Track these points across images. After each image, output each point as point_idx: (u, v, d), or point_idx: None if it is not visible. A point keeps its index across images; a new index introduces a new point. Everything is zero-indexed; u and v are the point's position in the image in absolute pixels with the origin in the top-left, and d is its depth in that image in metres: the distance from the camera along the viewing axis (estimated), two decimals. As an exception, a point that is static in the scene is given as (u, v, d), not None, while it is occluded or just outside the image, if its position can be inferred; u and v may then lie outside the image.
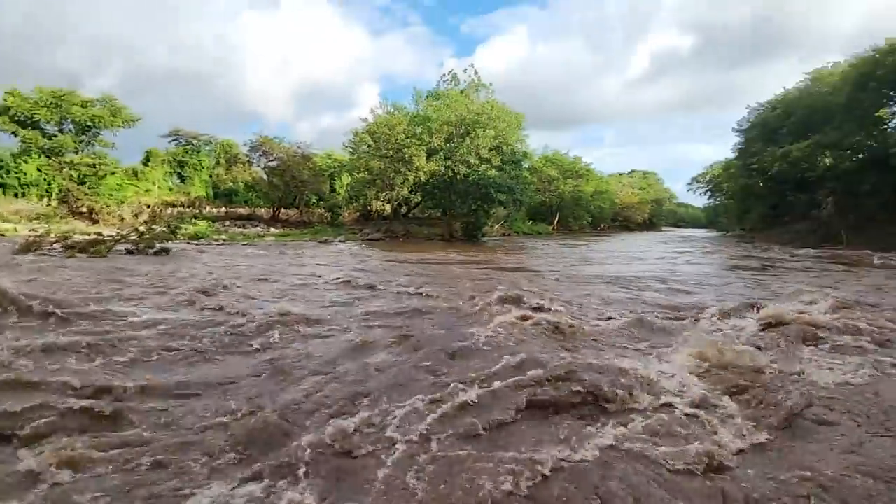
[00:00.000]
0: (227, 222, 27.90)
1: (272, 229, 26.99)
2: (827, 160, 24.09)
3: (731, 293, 7.90)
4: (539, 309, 5.66)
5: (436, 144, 24.95)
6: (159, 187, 32.19)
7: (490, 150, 24.86)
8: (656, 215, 71.99)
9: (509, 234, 35.71)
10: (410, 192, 27.12)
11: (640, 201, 63.89)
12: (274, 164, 30.34)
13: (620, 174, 74.35)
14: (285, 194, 30.82)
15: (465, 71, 29.21)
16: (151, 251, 12.83)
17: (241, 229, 25.79)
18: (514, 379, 3.23)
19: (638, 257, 16.91)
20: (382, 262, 12.51)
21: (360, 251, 16.87)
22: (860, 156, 23.13)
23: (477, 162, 24.53)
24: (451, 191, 25.51)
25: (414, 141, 24.54)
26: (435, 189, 26.35)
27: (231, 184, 35.27)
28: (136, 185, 30.35)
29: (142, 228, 13.89)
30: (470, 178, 24.62)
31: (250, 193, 34.58)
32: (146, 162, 33.07)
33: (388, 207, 30.36)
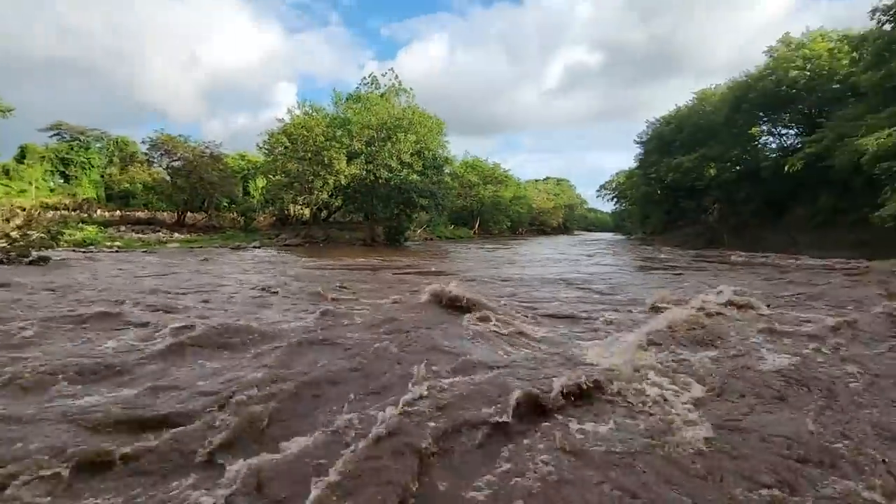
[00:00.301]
0: (123, 227, 25.03)
1: (176, 235, 24.66)
2: (712, 171, 27.20)
3: (642, 286, 8.55)
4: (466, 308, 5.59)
5: (357, 148, 24.43)
6: (37, 187, 28.20)
7: (412, 154, 24.86)
8: (569, 220, 76.75)
9: (431, 239, 35.97)
10: (331, 195, 26.30)
11: (555, 207, 67.66)
12: (178, 164, 27.76)
13: (536, 181, 78.32)
14: (191, 197, 28.36)
15: (384, 75, 29.04)
16: (26, 260, 11.15)
17: (139, 235, 23.27)
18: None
19: (557, 258, 17.81)
20: (302, 269, 11.90)
21: (277, 257, 15.96)
22: (738, 168, 26.34)
23: (399, 166, 24.39)
24: (372, 195, 25.11)
25: (334, 143, 23.82)
26: (356, 193, 25.80)
27: (127, 185, 31.85)
28: (6, 185, 26.33)
29: (14, 234, 11.99)
30: (392, 183, 24.42)
31: (150, 196, 31.41)
32: (21, 159, 28.83)
33: (307, 212, 29.14)
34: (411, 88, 28.43)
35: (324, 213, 30.13)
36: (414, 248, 24.94)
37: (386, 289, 8.33)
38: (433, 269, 12.61)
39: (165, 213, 29.83)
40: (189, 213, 29.38)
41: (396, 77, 28.49)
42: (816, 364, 3.92)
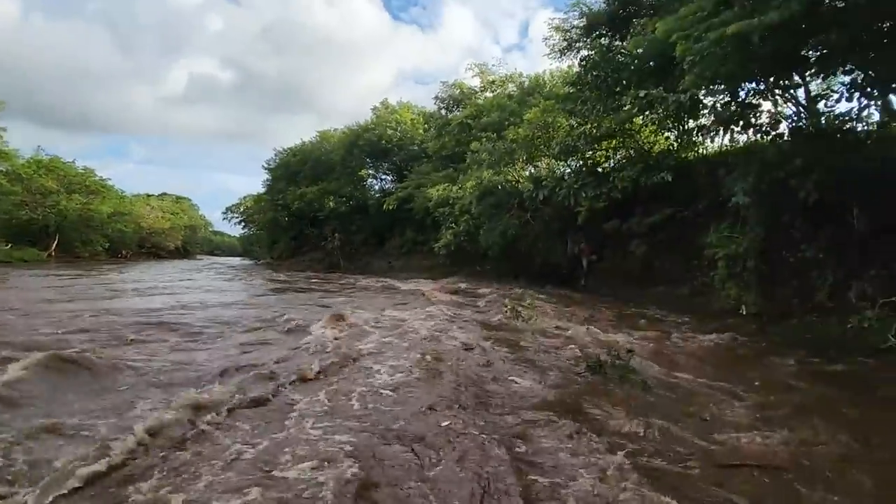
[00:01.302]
0: None
1: None
2: (331, 203, 30.32)
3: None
4: None
5: None
6: None
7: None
8: (191, 243, 68.53)
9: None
10: None
11: (173, 227, 58.89)
12: None
13: (149, 195, 66.32)
14: None
15: None
16: None
17: None
18: None
19: (167, 286, 14.86)
20: None
21: None
22: (351, 203, 30.37)
23: None
24: None
25: None
26: None
27: None
28: None
29: None
30: None
31: None
32: None
33: None
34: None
35: None
36: None
37: None
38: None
39: None
40: None
41: None
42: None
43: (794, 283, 8.01)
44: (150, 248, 54.08)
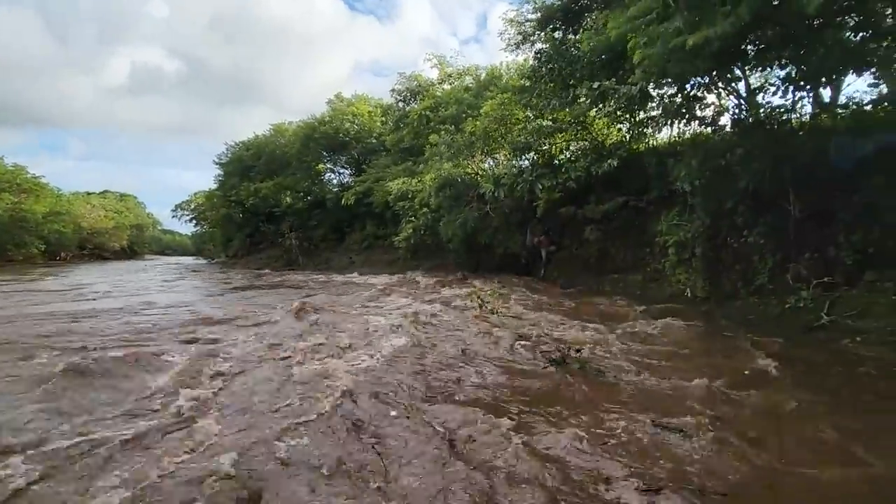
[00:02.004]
0: None
1: None
2: (288, 199, 29.39)
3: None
4: None
5: None
6: None
7: None
8: (138, 243, 64.92)
9: None
10: None
11: (117, 227, 55.62)
12: None
13: (90, 193, 62.29)
14: None
15: None
16: None
17: None
18: None
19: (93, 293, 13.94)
20: None
21: None
22: (308, 198, 29.54)
23: None
24: None
25: None
26: None
27: None
28: None
29: None
30: None
31: None
32: None
33: None
34: None
35: None
36: None
37: None
38: None
39: None
40: None
41: None
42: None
43: (738, 267, 8.43)
44: (92, 249, 50.82)
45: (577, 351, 4.81)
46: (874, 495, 2.50)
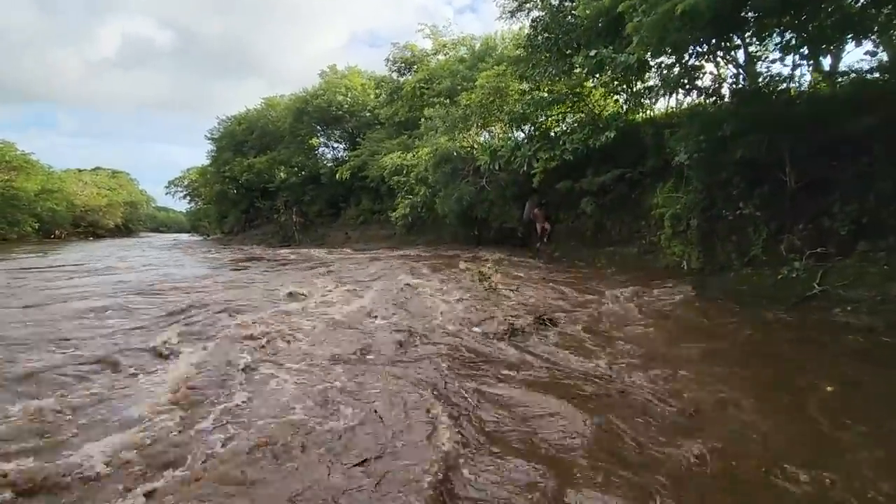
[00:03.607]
0: None
1: None
2: (282, 174, 29.04)
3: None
4: None
5: None
6: None
7: None
8: (132, 220, 64.54)
9: None
10: None
11: (111, 204, 55.16)
12: None
13: (81, 171, 61.42)
14: None
15: None
16: None
17: None
18: None
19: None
20: None
21: None
22: (303, 173, 29.16)
23: None
24: None
25: None
26: None
27: None
28: None
29: None
30: None
31: None
32: None
33: None
34: None
35: None
36: None
37: None
38: None
39: None
40: None
41: None
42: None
43: (733, 238, 8.46)
44: (86, 227, 50.50)
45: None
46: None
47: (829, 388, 3.55)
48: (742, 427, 2.91)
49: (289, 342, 4.74)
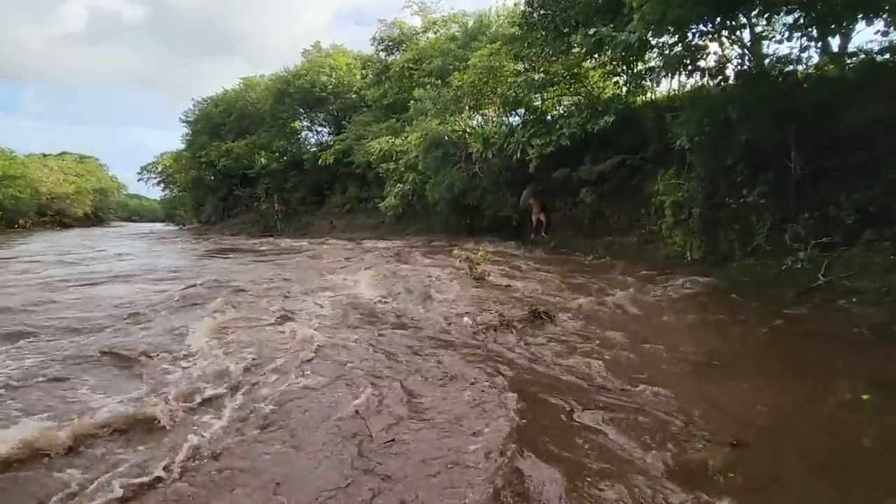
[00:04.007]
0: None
1: None
2: (262, 160, 27.96)
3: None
4: None
5: None
6: None
7: None
8: (102, 209, 61.95)
9: None
10: None
11: (79, 191, 52.79)
12: None
13: (46, 155, 58.61)
14: None
15: None
16: None
17: None
18: None
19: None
20: None
21: None
22: (284, 158, 28.14)
23: None
24: None
25: None
26: None
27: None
28: None
29: None
30: None
31: None
32: None
33: None
34: None
35: None
36: None
37: None
38: None
39: None
40: None
41: None
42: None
43: (736, 227, 8.27)
44: (53, 215, 48.33)
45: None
46: None
47: (864, 397, 3.32)
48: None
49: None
